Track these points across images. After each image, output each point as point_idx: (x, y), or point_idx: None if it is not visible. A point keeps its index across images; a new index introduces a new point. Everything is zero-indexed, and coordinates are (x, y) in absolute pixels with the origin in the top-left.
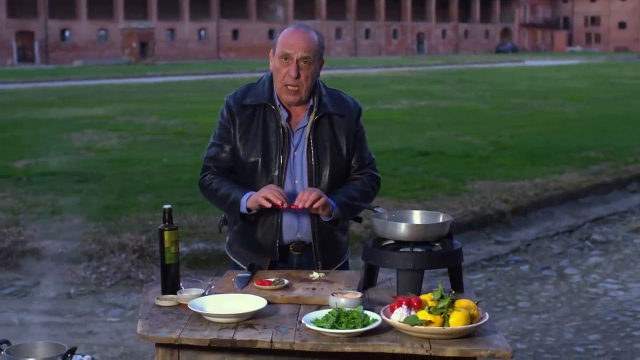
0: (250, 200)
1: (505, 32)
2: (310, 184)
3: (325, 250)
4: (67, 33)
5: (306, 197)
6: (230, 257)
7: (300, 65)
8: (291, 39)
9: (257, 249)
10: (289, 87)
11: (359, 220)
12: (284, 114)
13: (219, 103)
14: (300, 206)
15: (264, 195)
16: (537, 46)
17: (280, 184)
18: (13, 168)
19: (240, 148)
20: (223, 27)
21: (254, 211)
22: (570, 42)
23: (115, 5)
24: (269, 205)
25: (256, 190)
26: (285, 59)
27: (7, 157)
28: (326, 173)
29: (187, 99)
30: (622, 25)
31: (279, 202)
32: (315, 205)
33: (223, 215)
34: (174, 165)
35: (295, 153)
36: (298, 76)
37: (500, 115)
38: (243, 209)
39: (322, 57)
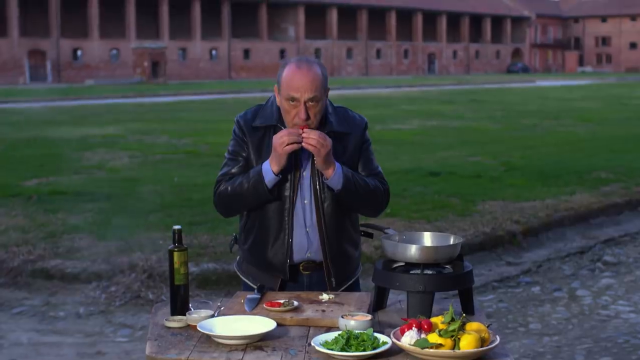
0: (273, 163)
1: (516, 53)
2: (316, 203)
3: (337, 266)
4: (79, 52)
5: (315, 137)
6: (240, 276)
7: (309, 106)
8: (295, 82)
9: (267, 268)
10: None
11: (370, 236)
12: None
13: (230, 123)
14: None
15: (285, 149)
16: (548, 66)
17: (292, 204)
18: (24, 187)
19: (252, 167)
20: (234, 46)
21: (280, 176)
22: (581, 63)
23: (127, 24)
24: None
25: (265, 211)
26: (292, 100)
27: (18, 176)
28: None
29: (199, 118)
30: (633, 45)
31: (300, 140)
32: (315, 144)
33: (234, 235)
34: (185, 185)
35: (304, 173)
36: (308, 117)
37: (511, 136)
38: (270, 177)
39: (327, 87)
